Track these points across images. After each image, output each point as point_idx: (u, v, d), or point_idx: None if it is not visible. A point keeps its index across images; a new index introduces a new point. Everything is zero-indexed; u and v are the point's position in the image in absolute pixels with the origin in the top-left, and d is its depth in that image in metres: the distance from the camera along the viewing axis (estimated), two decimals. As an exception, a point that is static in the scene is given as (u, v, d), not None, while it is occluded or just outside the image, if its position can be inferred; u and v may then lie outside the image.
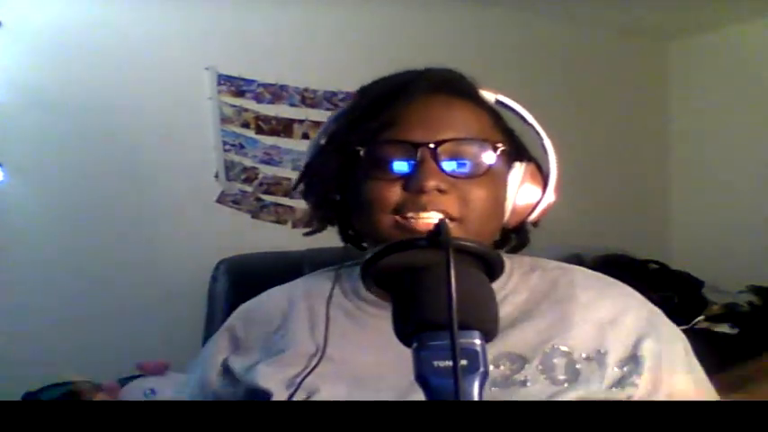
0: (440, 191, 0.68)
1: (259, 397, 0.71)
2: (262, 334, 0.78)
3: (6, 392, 1.86)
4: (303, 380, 0.68)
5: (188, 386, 0.83)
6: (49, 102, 2.13)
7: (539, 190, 0.76)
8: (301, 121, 2.55)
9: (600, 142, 3.23)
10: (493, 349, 0.66)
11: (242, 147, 2.47)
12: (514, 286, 0.75)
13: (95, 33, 2.19)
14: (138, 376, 1.91)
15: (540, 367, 0.67)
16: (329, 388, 0.68)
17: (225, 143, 2.43)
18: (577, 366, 0.67)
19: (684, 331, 0.76)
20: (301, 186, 0.78)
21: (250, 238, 2.15)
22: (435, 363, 0.43)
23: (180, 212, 2.33)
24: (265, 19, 2.50)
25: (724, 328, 2.45)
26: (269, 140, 2.51)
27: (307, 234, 0.79)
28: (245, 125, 2.47)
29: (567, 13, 3.15)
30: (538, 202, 0.75)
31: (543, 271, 0.77)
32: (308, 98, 2.57)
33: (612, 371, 0.68)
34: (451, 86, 0.74)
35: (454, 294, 0.42)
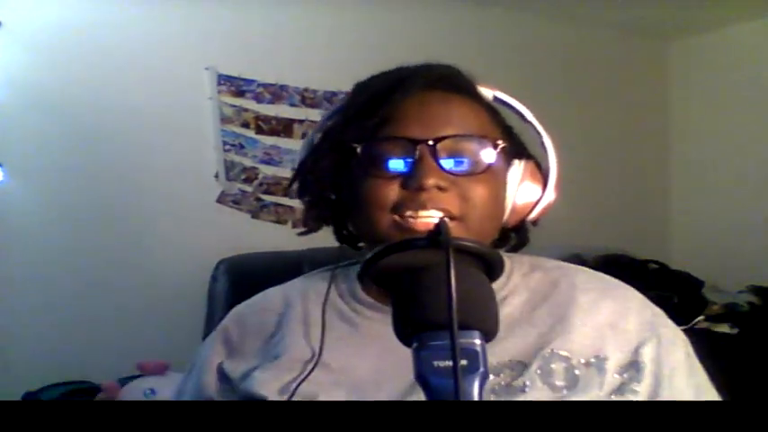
0: (439, 188, 0.67)
1: None
2: (257, 338, 0.76)
3: (6, 392, 1.86)
4: (298, 386, 0.67)
5: (185, 390, 0.81)
6: (49, 102, 2.13)
7: (538, 188, 0.74)
8: (301, 121, 2.55)
9: (600, 142, 3.23)
10: (494, 358, 0.65)
11: (242, 147, 2.47)
12: (514, 287, 0.74)
13: (95, 33, 2.19)
14: (138, 376, 1.91)
15: (539, 372, 0.65)
16: (326, 395, 0.67)
17: (225, 143, 2.43)
18: (576, 372, 0.66)
19: (684, 331, 0.74)
20: (296, 185, 0.76)
21: (250, 238, 2.15)
22: (435, 363, 0.43)
23: (180, 212, 2.33)
24: (265, 19, 2.50)
25: (724, 328, 2.45)
26: (269, 140, 2.51)
27: (301, 234, 0.78)
28: (245, 125, 2.47)
29: (567, 13, 3.14)
30: (538, 201, 0.74)
31: (543, 271, 0.76)
32: (308, 98, 2.57)
33: (612, 377, 0.66)
34: (449, 82, 0.73)
35: (454, 294, 0.42)
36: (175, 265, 2.26)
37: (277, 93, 2.52)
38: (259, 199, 2.51)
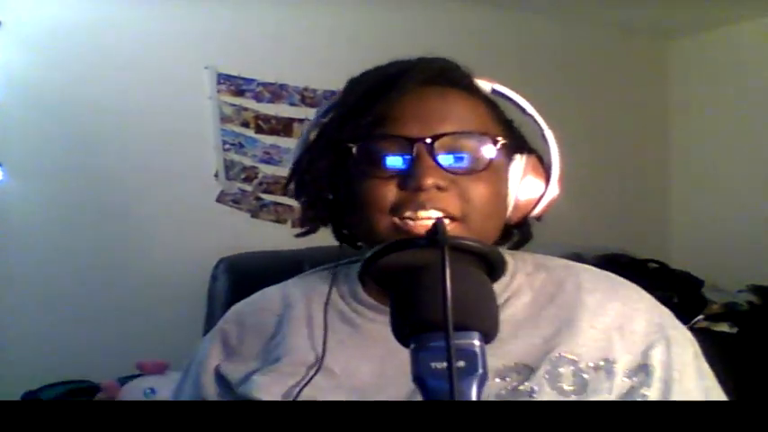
0: (438, 188, 0.64)
1: None
2: (256, 339, 0.74)
3: (6, 392, 1.86)
4: (300, 391, 0.66)
5: (184, 390, 0.80)
6: (49, 102, 2.13)
7: (541, 183, 0.72)
8: (301, 121, 2.55)
9: (600, 142, 3.23)
10: (500, 361, 0.65)
11: (242, 146, 2.47)
12: (518, 287, 0.71)
13: (95, 33, 2.19)
14: (138, 376, 1.91)
15: (547, 376, 0.64)
16: (328, 399, 0.66)
17: (224, 142, 2.43)
18: (584, 376, 0.64)
19: (685, 331, 0.74)
20: (293, 185, 0.74)
21: (250, 238, 2.15)
22: (433, 364, 0.42)
23: (180, 212, 2.33)
24: (265, 19, 2.50)
25: (724, 328, 2.45)
26: (269, 140, 2.51)
27: (299, 235, 0.76)
28: (245, 124, 2.47)
29: (567, 13, 3.14)
30: (541, 196, 0.72)
31: (548, 271, 0.73)
32: (307, 97, 2.57)
33: (621, 381, 0.64)
34: (446, 77, 0.70)
35: (449, 293, 0.41)
36: (175, 264, 2.26)
37: (277, 92, 2.52)
38: (259, 198, 2.51)
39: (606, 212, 3.21)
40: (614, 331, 0.67)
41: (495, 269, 0.49)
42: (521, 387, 0.64)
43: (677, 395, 0.65)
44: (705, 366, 0.71)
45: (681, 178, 3.63)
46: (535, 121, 0.73)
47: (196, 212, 2.37)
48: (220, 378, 0.74)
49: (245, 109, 2.47)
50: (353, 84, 0.72)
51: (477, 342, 0.43)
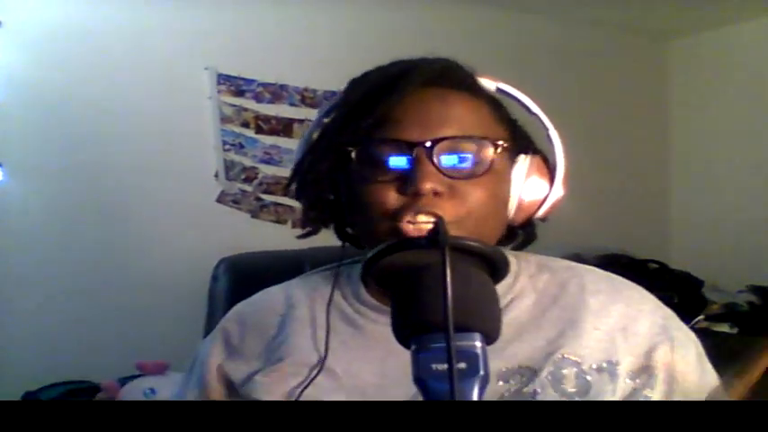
0: (437, 193, 0.64)
1: None
2: (258, 339, 0.74)
3: (6, 392, 1.86)
4: (302, 392, 0.66)
5: (188, 389, 0.80)
6: (49, 102, 2.13)
7: (546, 184, 0.71)
8: (301, 121, 2.55)
9: (600, 142, 3.23)
10: (503, 364, 0.64)
11: (242, 146, 2.47)
12: (521, 289, 0.71)
13: (95, 33, 2.19)
14: (138, 376, 1.91)
15: (550, 378, 0.63)
16: (330, 400, 0.66)
17: (225, 143, 2.43)
18: (588, 378, 0.64)
19: (685, 331, 0.74)
20: (294, 186, 0.74)
21: (250, 238, 2.15)
22: (434, 366, 0.42)
23: (180, 212, 2.33)
24: (265, 19, 2.50)
25: (724, 328, 2.45)
26: (269, 140, 2.51)
27: (301, 236, 0.75)
28: (245, 125, 2.47)
29: (567, 13, 3.14)
30: (546, 197, 0.71)
31: (551, 272, 0.73)
32: (307, 98, 2.57)
33: (625, 383, 0.64)
34: (447, 78, 0.69)
35: (450, 294, 0.41)
36: (175, 264, 2.26)
37: (277, 92, 2.52)
38: (259, 198, 2.51)
39: (606, 212, 3.21)
40: (618, 333, 0.67)
41: (497, 270, 0.48)
42: (524, 389, 0.63)
43: (680, 396, 0.65)
44: (708, 366, 0.71)
45: (681, 178, 3.63)
46: (540, 121, 0.72)
47: (196, 212, 2.37)
48: (223, 377, 0.74)
49: (246, 109, 2.47)
50: (355, 84, 0.71)
51: (478, 343, 0.43)
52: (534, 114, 0.72)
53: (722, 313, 2.53)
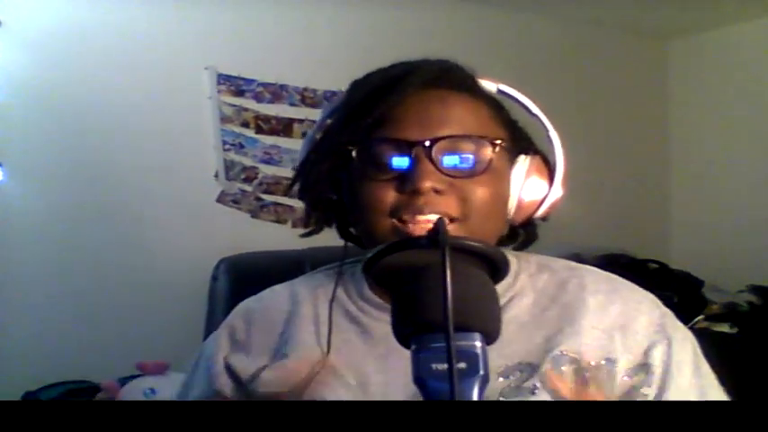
0: (436, 191, 0.65)
1: None
2: (263, 336, 0.75)
3: (6, 392, 1.86)
4: (304, 389, 0.67)
5: (191, 388, 0.80)
6: (49, 102, 2.13)
7: (545, 184, 0.72)
8: (301, 121, 2.55)
9: (600, 142, 3.23)
10: (503, 361, 0.65)
11: (242, 146, 2.47)
12: (521, 288, 0.72)
13: (95, 33, 2.19)
14: (138, 376, 1.91)
15: (548, 374, 0.65)
16: (333, 397, 0.66)
17: (225, 143, 2.43)
18: (586, 375, 0.65)
19: (685, 331, 0.74)
20: (297, 186, 0.75)
21: (250, 238, 2.15)
22: (434, 365, 0.42)
23: (180, 212, 2.33)
24: (265, 19, 2.50)
25: (724, 328, 2.46)
26: (269, 140, 2.51)
27: (304, 235, 0.76)
28: (245, 125, 2.47)
29: (567, 13, 3.14)
30: (545, 197, 0.72)
31: (551, 272, 0.74)
32: (307, 98, 2.57)
33: (622, 380, 0.65)
34: (448, 79, 0.71)
35: (450, 294, 0.41)
36: (175, 264, 2.26)
37: (277, 92, 2.52)
38: (259, 198, 2.51)
39: (606, 212, 3.21)
40: (616, 331, 0.68)
41: (497, 270, 0.48)
42: (523, 384, 0.64)
43: (674, 393, 0.66)
44: (705, 366, 0.71)
45: (681, 178, 3.63)
46: (541, 122, 0.73)
47: (196, 212, 2.37)
48: (230, 371, 0.75)
49: (246, 109, 2.47)
50: (357, 85, 0.73)
51: (478, 343, 0.43)
52: (534, 115, 0.73)
53: (722, 313, 2.53)
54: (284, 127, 2.53)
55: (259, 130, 2.49)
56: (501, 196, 0.70)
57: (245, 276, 1.29)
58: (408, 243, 0.48)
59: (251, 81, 2.47)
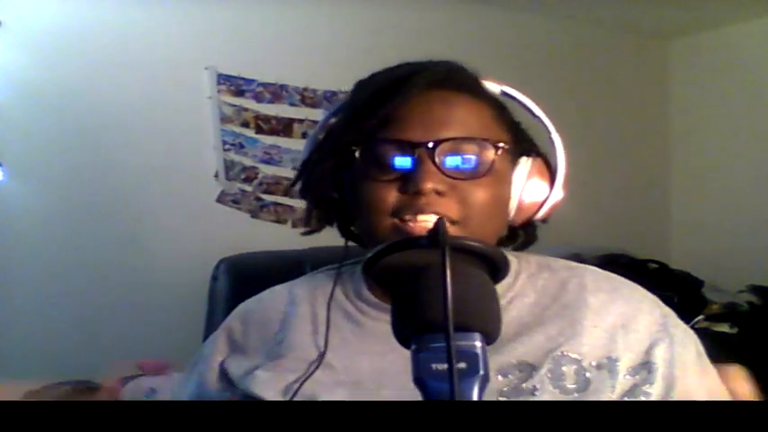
0: (438, 193, 0.65)
1: None
2: (260, 336, 0.76)
3: (6, 392, 1.85)
4: (300, 387, 0.67)
5: (186, 387, 0.81)
6: (49, 102, 2.13)
7: (546, 186, 0.73)
8: (301, 121, 2.55)
9: (600, 142, 3.23)
10: (501, 358, 0.65)
11: (242, 146, 2.47)
12: (521, 288, 0.72)
13: (95, 33, 2.19)
14: (138, 376, 1.91)
15: (549, 375, 0.64)
16: (328, 396, 0.67)
17: (225, 142, 2.43)
18: (587, 375, 0.65)
19: (685, 331, 0.74)
20: (299, 184, 0.75)
21: (250, 238, 2.15)
22: (434, 365, 0.42)
23: (180, 212, 2.33)
24: (265, 19, 2.50)
25: (724, 328, 2.45)
26: (269, 140, 2.51)
27: (305, 234, 0.77)
28: (245, 124, 2.47)
29: (567, 13, 3.14)
30: (546, 199, 0.72)
31: (551, 272, 0.74)
32: (307, 98, 2.57)
33: (624, 378, 0.65)
34: (452, 81, 0.71)
35: (450, 294, 0.41)
36: (175, 264, 2.26)
37: (277, 92, 2.52)
38: (259, 198, 2.51)
39: (606, 212, 3.21)
40: (618, 330, 0.68)
41: (498, 270, 0.48)
42: (523, 385, 0.64)
43: (679, 393, 0.66)
44: (708, 364, 0.71)
45: (681, 178, 3.63)
46: (543, 125, 0.73)
47: (196, 212, 2.37)
48: (223, 374, 0.76)
49: (246, 109, 2.47)
50: (361, 86, 0.73)
51: (478, 343, 0.43)
52: (537, 118, 0.74)
53: (722, 313, 2.53)
54: (284, 127, 2.53)
55: (259, 130, 2.49)
56: (502, 198, 0.71)
57: (245, 276, 1.29)
58: (408, 243, 0.48)
59: (251, 81, 2.47)
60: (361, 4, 2.67)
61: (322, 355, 0.69)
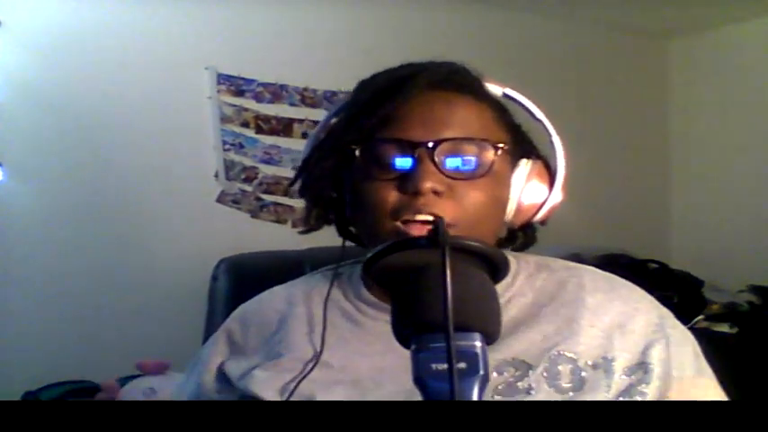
0: (436, 192, 0.65)
1: None
2: (259, 337, 0.76)
3: (6, 392, 1.86)
4: (297, 386, 0.67)
5: (185, 389, 0.81)
6: (48, 102, 2.13)
7: (546, 189, 0.73)
8: (301, 121, 2.55)
9: (600, 142, 3.23)
10: (497, 355, 0.65)
11: (242, 146, 2.47)
12: (520, 288, 0.72)
13: (95, 33, 2.19)
14: (138, 376, 1.91)
15: (545, 374, 0.64)
16: (325, 395, 0.67)
17: (225, 142, 2.43)
18: (583, 374, 0.65)
19: (685, 331, 0.74)
20: (298, 183, 0.75)
21: (250, 238, 2.15)
22: (434, 365, 0.42)
23: (180, 212, 2.33)
24: (265, 19, 2.50)
25: (724, 328, 2.45)
26: (269, 140, 2.51)
27: (302, 232, 0.77)
28: (245, 124, 2.47)
29: (567, 13, 3.14)
30: (545, 201, 0.73)
31: (550, 272, 0.74)
32: (307, 98, 2.57)
33: (620, 378, 0.65)
34: (453, 82, 0.71)
35: (450, 294, 0.41)
36: (175, 264, 2.26)
37: (277, 92, 2.52)
38: (259, 198, 2.51)
39: (606, 212, 3.21)
40: (614, 330, 0.68)
41: (497, 270, 0.48)
42: (518, 384, 0.64)
43: (676, 393, 0.66)
44: (705, 365, 0.71)
45: (681, 178, 3.63)
46: (544, 127, 0.74)
47: (196, 212, 2.37)
48: (222, 376, 0.76)
49: (246, 109, 2.47)
50: (363, 85, 0.73)
51: (478, 343, 0.43)
52: (538, 120, 0.74)
53: (722, 313, 2.52)
54: (284, 127, 2.53)
55: (259, 130, 2.49)
56: (500, 200, 0.71)
57: (245, 276, 1.29)
58: (408, 243, 0.48)
59: (251, 81, 2.47)
60: (362, 4, 2.67)
61: (318, 355, 0.69)
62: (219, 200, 2.44)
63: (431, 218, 0.65)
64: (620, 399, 0.65)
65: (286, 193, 2.50)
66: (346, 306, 0.74)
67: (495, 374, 0.65)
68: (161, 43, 2.31)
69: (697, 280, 2.74)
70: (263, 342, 0.75)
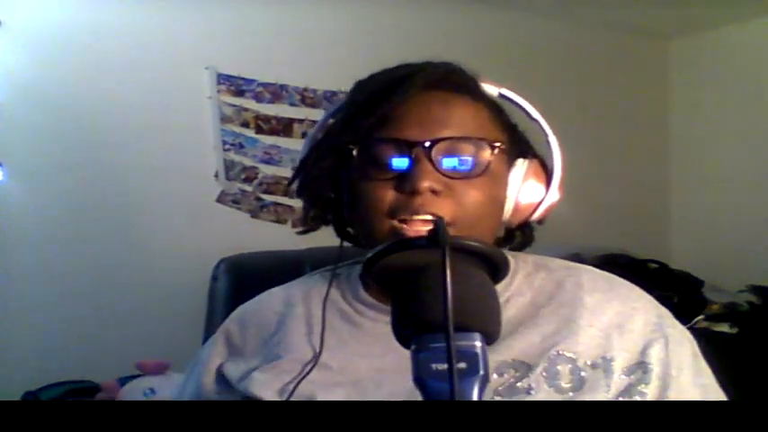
0: (434, 192, 0.66)
1: None
2: (258, 338, 0.76)
3: (6, 392, 1.86)
4: (296, 387, 0.67)
5: (185, 390, 0.81)
6: (49, 102, 2.13)
7: (542, 188, 0.73)
8: (301, 121, 2.55)
9: (600, 142, 3.23)
10: (497, 357, 0.65)
11: (242, 146, 2.47)
12: (518, 288, 0.72)
13: (95, 33, 2.19)
14: (138, 376, 1.91)
15: (545, 374, 0.64)
16: (326, 396, 0.67)
17: (225, 142, 2.43)
18: (582, 374, 0.65)
19: (685, 331, 0.74)
20: (296, 184, 0.76)
21: (250, 238, 2.15)
22: (434, 365, 0.42)
23: (180, 212, 2.33)
24: (265, 19, 2.50)
25: (724, 328, 2.45)
26: (269, 140, 2.51)
27: (300, 233, 0.77)
28: (245, 124, 2.47)
29: (567, 13, 3.14)
30: (542, 201, 0.73)
31: (548, 271, 0.74)
32: (307, 98, 2.57)
33: (619, 378, 0.65)
34: (450, 82, 0.71)
35: (450, 294, 0.41)
36: (175, 264, 2.26)
37: (277, 92, 2.52)
38: (259, 198, 2.51)
39: (606, 212, 3.21)
40: (613, 330, 0.68)
41: (497, 270, 0.48)
42: (518, 384, 0.64)
43: (674, 393, 0.66)
44: (703, 365, 0.71)
45: (681, 179, 3.63)
46: (540, 127, 0.74)
47: (196, 212, 2.37)
48: (221, 378, 0.76)
49: (246, 109, 2.47)
50: (360, 86, 0.74)
51: (478, 343, 0.43)
52: (534, 120, 0.74)
53: (722, 313, 2.53)
54: (284, 127, 2.53)
55: (259, 130, 2.50)
56: (497, 199, 0.71)
57: (245, 276, 1.29)
58: (408, 243, 0.48)
59: (251, 81, 2.47)
60: (361, 4, 2.67)
61: (317, 356, 0.69)
62: (219, 200, 2.44)
63: (429, 217, 0.65)
64: (620, 398, 0.65)
65: (286, 194, 2.50)
66: (344, 308, 0.74)
67: (495, 376, 0.65)
68: (161, 43, 2.31)
69: (697, 280, 2.74)
70: (262, 343, 0.75)
